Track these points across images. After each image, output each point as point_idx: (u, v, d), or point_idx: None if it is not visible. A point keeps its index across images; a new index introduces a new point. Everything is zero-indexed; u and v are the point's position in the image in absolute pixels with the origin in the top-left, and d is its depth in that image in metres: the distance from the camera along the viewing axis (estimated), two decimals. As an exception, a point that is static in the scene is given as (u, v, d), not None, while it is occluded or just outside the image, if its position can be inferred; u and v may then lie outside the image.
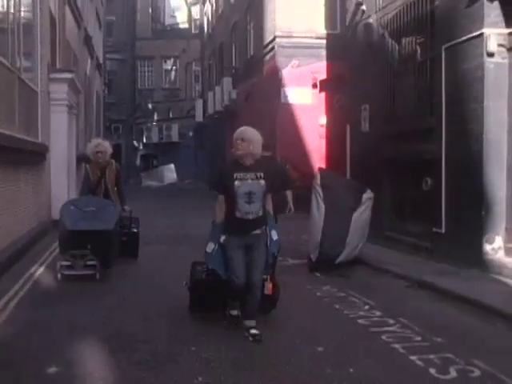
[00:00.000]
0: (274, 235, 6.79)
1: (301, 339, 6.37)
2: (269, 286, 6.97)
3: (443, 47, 10.95)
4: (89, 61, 26.73)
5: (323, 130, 21.17)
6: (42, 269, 10.35)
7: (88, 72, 26.20)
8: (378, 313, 7.48)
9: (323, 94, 20.90)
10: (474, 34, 10.05)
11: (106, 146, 10.69)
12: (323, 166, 20.88)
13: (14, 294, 8.37)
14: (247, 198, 6.36)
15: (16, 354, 5.77)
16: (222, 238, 6.60)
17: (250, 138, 6.60)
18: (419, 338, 6.40)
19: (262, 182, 6.43)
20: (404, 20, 12.58)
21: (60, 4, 17.52)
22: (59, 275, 9.26)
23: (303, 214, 19.16)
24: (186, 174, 42.84)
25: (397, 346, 6.14)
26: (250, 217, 6.41)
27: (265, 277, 6.88)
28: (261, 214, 6.47)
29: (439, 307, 7.98)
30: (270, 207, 6.81)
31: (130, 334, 6.47)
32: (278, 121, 22.09)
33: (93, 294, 8.38)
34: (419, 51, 12.22)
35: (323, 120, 21.05)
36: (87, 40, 25.12)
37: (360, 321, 7.12)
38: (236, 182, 6.38)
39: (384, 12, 13.50)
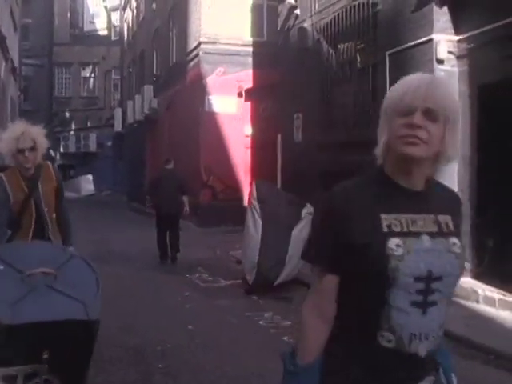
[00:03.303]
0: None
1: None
2: None
3: (387, 53, 10.33)
4: (3, 64, 25.10)
5: (249, 140, 20.48)
6: None
7: (2, 75, 24.58)
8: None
9: (249, 103, 20.24)
10: (423, 39, 9.47)
11: (37, 137, 5.15)
12: (248, 176, 20.25)
13: None
14: (421, 290, 2.13)
15: None
16: None
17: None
18: None
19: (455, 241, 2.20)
20: (342, 25, 11.94)
21: (-32, -1, 16.09)
22: None
23: (227, 227, 18.69)
24: (105, 185, 41.46)
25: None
26: (421, 350, 2.13)
27: None
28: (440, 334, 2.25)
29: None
30: None
31: None
32: (202, 130, 21.17)
33: None
34: (359, 57, 11.57)
35: (249, 130, 20.36)
36: (1, 41, 23.52)
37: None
38: (393, 241, 2.12)
39: (320, 16, 12.82)
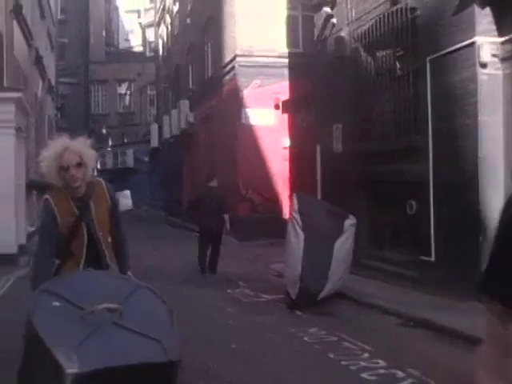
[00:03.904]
0: None
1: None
2: None
3: (428, 59, 10.04)
4: (40, 83, 25.33)
5: (287, 152, 20.25)
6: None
7: (39, 95, 24.79)
8: (381, 362, 6.36)
9: (286, 115, 20.02)
10: (465, 43, 9.15)
11: (83, 151, 4.45)
12: (287, 189, 20.02)
13: None
14: None
15: None
16: None
17: None
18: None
19: None
20: (380, 32, 11.66)
21: (7, 19, 16.20)
22: None
23: (266, 240, 18.49)
24: (142, 200, 41.54)
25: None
26: None
27: None
28: None
29: (448, 351, 6.92)
30: None
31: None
32: (239, 143, 21.05)
33: None
34: (398, 64, 11.29)
35: (286, 142, 20.12)
36: (38, 61, 23.74)
37: (364, 375, 5.98)
38: None
39: (357, 24, 12.57)
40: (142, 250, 16.96)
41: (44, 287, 3.70)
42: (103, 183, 4.57)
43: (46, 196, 4.36)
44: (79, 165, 4.28)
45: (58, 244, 4.29)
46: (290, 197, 19.02)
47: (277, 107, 20.47)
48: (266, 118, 21.17)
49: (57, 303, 3.54)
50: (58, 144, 4.37)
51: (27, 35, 20.01)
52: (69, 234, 4.29)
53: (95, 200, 4.41)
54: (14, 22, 17.43)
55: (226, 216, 13.40)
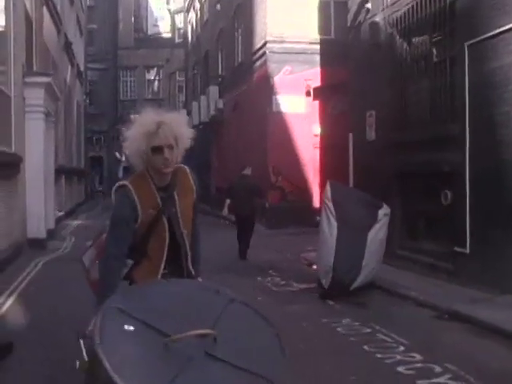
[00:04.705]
0: None
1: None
2: None
3: (466, 44, 9.73)
4: (69, 68, 25.38)
5: (317, 140, 20.05)
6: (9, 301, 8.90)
7: (68, 80, 24.85)
8: (417, 356, 6.17)
9: (317, 102, 19.81)
10: (506, 27, 8.83)
11: (179, 130, 3.63)
12: (317, 177, 19.85)
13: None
14: None
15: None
16: None
17: None
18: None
19: None
20: (416, 17, 11.39)
21: (37, 4, 16.17)
22: None
23: (296, 229, 18.31)
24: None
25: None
26: None
27: None
28: None
29: (485, 346, 6.72)
30: None
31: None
32: (269, 130, 20.88)
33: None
34: (435, 50, 11.02)
35: (317, 129, 19.92)
36: (67, 46, 23.79)
37: (400, 369, 5.79)
38: None
39: (392, 9, 12.30)
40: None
41: (113, 303, 2.81)
42: (188, 170, 3.79)
43: (124, 182, 3.56)
44: (172, 146, 3.50)
45: (133, 245, 3.55)
46: (321, 185, 18.89)
47: (308, 94, 20.27)
48: (297, 105, 20.97)
49: (131, 327, 2.66)
50: (150, 119, 3.53)
51: (56, 21, 20.03)
52: (146, 230, 3.54)
53: (180, 190, 3.66)
54: (44, 8, 17.42)
55: (265, 202, 14.82)
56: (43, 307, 8.21)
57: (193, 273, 3.69)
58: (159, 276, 3.53)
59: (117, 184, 3.58)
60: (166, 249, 3.56)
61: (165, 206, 3.55)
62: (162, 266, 3.56)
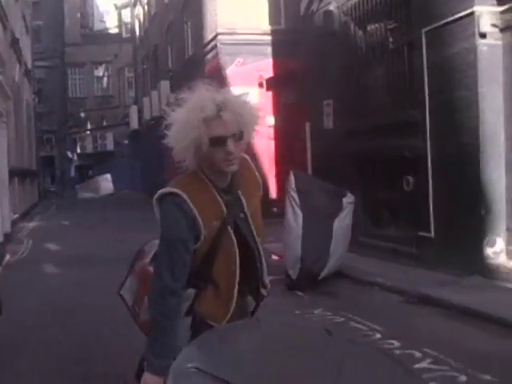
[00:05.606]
0: None
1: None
2: None
3: (423, 30, 9.76)
4: (17, 66, 24.81)
5: (272, 131, 19.98)
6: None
7: (17, 78, 24.28)
8: (395, 343, 6.15)
9: (270, 93, 19.74)
10: (463, 13, 8.88)
11: (244, 115, 2.63)
12: (273, 168, 19.79)
13: None
14: None
15: None
16: None
17: None
18: (465, 379, 5.11)
19: None
20: (371, 5, 11.42)
21: (-19, 1, 15.74)
22: None
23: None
24: (123, 184, 41.18)
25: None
26: None
27: None
28: None
29: (459, 328, 6.76)
30: None
31: None
32: (224, 123, 20.70)
33: None
34: (391, 37, 11.06)
35: (271, 120, 19.85)
36: (14, 43, 23.20)
37: (381, 356, 5.78)
38: None
39: (346, -3, 12.30)
40: (128, 234, 16.75)
41: (186, 361, 1.94)
42: (249, 160, 2.90)
43: (174, 190, 2.61)
44: (239, 136, 2.62)
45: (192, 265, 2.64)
46: (277, 176, 18.85)
47: (260, 85, 20.15)
48: (251, 97, 20.80)
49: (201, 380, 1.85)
50: (208, 98, 2.60)
51: (2, 17, 19.52)
52: (209, 247, 2.65)
53: (245, 189, 2.79)
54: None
55: None
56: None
57: (269, 286, 2.92)
58: (232, 306, 2.69)
59: (162, 191, 2.66)
60: (238, 269, 2.68)
61: (230, 212, 2.68)
62: (235, 292, 2.69)
